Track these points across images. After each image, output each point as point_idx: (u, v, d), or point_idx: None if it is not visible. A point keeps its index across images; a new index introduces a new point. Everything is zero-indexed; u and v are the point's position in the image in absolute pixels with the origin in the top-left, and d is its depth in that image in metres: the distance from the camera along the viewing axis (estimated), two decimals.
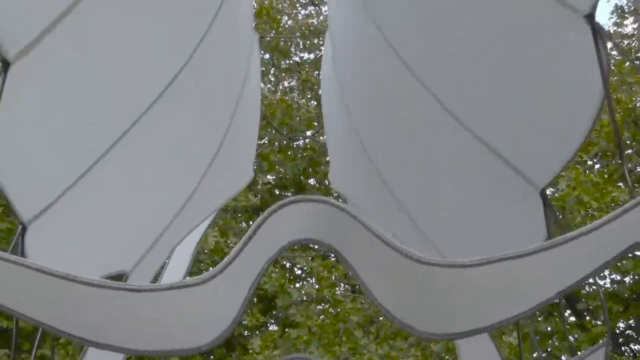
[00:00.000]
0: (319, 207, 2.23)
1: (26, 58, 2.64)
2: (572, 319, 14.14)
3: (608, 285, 13.75)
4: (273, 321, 14.08)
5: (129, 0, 2.98)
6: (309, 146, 15.17)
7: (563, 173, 11.76)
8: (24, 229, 3.01)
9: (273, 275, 12.10)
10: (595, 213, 11.41)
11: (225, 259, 2.07)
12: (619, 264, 12.68)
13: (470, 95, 3.59)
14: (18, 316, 2.18)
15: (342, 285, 13.22)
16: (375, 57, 3.86)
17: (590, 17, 3.03)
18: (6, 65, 2.48)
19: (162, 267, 4.74)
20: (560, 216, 11.77)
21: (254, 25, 4.95)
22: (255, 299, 13.35)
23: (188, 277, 5.03)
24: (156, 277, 4.55)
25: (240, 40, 4.22)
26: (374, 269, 2.46)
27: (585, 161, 13.91)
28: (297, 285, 14.94)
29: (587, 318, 13.45)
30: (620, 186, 12.22)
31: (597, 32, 2.98)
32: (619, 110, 12.65)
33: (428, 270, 2.16)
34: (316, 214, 2.25)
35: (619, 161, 12.25)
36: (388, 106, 4.07)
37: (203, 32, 3.57)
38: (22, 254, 2.84)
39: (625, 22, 15.09)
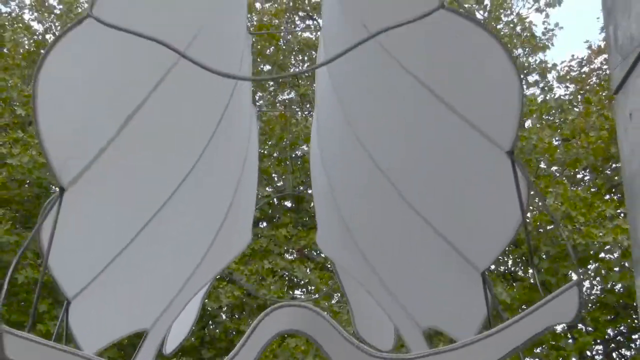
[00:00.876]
0: (300, 310, 3.03)
1: (76, 185, 3.34)
2: (559, 328, 14.61)
3: (598, 292, 14.24)
4: None
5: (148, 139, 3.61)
6: (307, 158, 15.61)
7: (551, 189, 12.21)
8: (68, 303, 3.87)
9: (272, 287, 12.54)
10: (582, 227, 11.84)
11: (233, 351, 2.66)
12: (605, 274, 13.15)
13: (425, 191, 4.18)
14: None
15: (338, 296, 13.64)
16: (350, 150, 4.41)
17: (510, 153, 3.62)
18: (62, 190, 3.06)
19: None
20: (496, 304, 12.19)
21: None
22: (255, 308, 13.80)
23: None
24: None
25: (242, 123, 4.67)
26: (341, 355, 3.04)
27: (574, 175, 14.35)
28: (298, 292, 15.43)
29: (580, 327, 13.86)
30: (607, 200, 12.66)
31: (516, 165, 3.61)
32: (606, 127, 13.10)
33: None
34: (297, 314, 2.90)
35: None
36: (360, 190, 4.67)
37: (210, 134, 4.10)
38: (67, 325, 3.52)
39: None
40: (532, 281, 12.89)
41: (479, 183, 3.95)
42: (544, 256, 12.89)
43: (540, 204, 11.52)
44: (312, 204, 15.14)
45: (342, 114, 4.52)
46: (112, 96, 3.29)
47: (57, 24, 15.49)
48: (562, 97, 15.95)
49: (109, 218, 3.78)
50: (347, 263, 5.38)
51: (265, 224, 16.35)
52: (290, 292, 15.13)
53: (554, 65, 17.01)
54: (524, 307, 13.56)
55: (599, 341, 14.14)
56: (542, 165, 12.98)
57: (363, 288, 5.28)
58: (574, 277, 12.96)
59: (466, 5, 15.69)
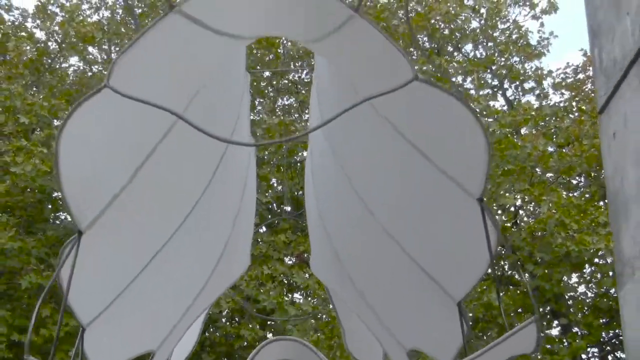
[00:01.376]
0: (291, 343, 3.46)
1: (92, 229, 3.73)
2: (555, 332, 14.87)
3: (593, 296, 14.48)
4: (271, 334, 14.74)
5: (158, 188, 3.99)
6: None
7: (545, 197, 12.44)
8: (83, 330, 4.29)
9: (271, 293, 12.77)
10: (575, 235, 12.08)
11: None
12: (599, 278, 13.38)
13: (409, 230, 4.53)
14: None
15: None
16: (341, 189, 4.72)
17: (480, 200, 3.95)
18: (80, 234, 3.39)
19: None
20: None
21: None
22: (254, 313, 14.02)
23: None
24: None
25: (240, 156, 4.93)
26: None
27: (569, 182, 14.57)
28: (297, 295, 15.67)
29: (575, 330, 14.08)
30: (600, 207, 12.89)
31: (485, 211, 3.96)
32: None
33: None
34: (289, 346, 3.28)
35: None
36: (349, 225, 4.99)
37: (210, 176, 4.42)
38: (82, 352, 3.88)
39: None
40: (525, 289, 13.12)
41: (455, 223, 4.32)
42: (539, 260, 13.12)
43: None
44: None
45: (334, 157, 4.83)
46: (123, 150, 3.59)
47: (59, 31, 15.72)
48: (557, 104, 16.19)
49: (120, 256, 4.17)
50: (338, 288, 5.69)
51: (264, 229, 16.60)
52: (289, 295, 15.39)
53: (550, 72, 17.26)
54: (519, 311, 13.83)
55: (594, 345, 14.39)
56: (538, 170, 13.20)
57: (352, 311, 5.58)
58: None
59: (463, 15, 15.92)
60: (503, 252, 13.68)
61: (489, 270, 4.40)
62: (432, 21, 14.70)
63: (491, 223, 3.85)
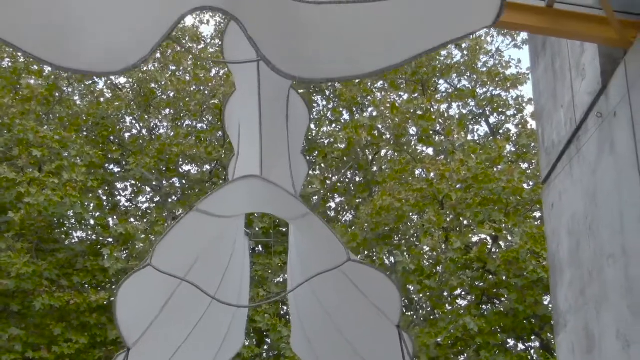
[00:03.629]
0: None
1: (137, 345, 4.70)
2: (537, 344, 15.89)
3: None
4: (266, 351, 15.79)
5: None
6: None
7: (517, 229, 13.51)
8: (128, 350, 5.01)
9: (266, 315, 13.81)
10: (545, 263, 13.10)
11: None
12: None
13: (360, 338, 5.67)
14: None
15: None
16: (310, 301, 5.74)
17: (398, 327, 5.04)
18: (128, 350, 4.47)
19: None
20: None
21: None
22: (251, 333, 15.07)
23: None
24: None
25: (236, 259, 5.93)
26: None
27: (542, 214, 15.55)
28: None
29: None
30: None
31: (402, 337, 5.08)
32: None
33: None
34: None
35: None
36: (318, 326, 6.02)
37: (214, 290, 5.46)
38: None
39: None
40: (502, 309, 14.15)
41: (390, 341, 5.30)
42: (514, 283, 14.18)
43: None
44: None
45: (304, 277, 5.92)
46: (157, 294, 4.67)
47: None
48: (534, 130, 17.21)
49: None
50: None
51: (260, 248, 17.62)
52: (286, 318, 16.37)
53: (530, 100, 18.25)
54: (499, 329, 14.89)
55: None
56: (512, 200, 14.21)
57: None
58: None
59: (445, 52, 16.91)
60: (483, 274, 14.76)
61: None
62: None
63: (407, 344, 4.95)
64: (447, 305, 15.36)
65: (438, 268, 14.69)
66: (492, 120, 18.90)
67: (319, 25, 2.87)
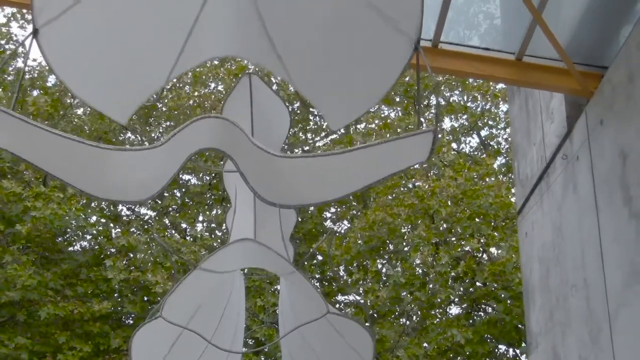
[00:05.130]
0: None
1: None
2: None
3: None
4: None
5: None
6: None
7: (503, 243, 14.10)
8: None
9: (263, 326, 14.39)
10: None
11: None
12: None
13: None
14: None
15: None
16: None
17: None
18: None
19: None
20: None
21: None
22: (250, 341, 15.64)
23: None
24: None
25: (233, 298, 6.46)
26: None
27: None
28: None
29: None
30: None
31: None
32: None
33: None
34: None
35: None
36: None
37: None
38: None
39: None
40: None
41: None
42: (502, 296, 14.77)
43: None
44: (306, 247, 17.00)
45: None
46: (165, 339, 5.19)
47: None
48: None
49: None
50: None
51: None
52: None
53: None
54: (488, 338, 15.48)
55: None
56: (500, 215, 14.80)
57: None
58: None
59: None
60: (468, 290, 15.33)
61: None
62: (407, 78, 16.31)
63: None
64: (437, 315, 15.93)
65: (428, 279, 15.26)
66: (483, 133, 19.50)
67: (294, 167, 3.63)
